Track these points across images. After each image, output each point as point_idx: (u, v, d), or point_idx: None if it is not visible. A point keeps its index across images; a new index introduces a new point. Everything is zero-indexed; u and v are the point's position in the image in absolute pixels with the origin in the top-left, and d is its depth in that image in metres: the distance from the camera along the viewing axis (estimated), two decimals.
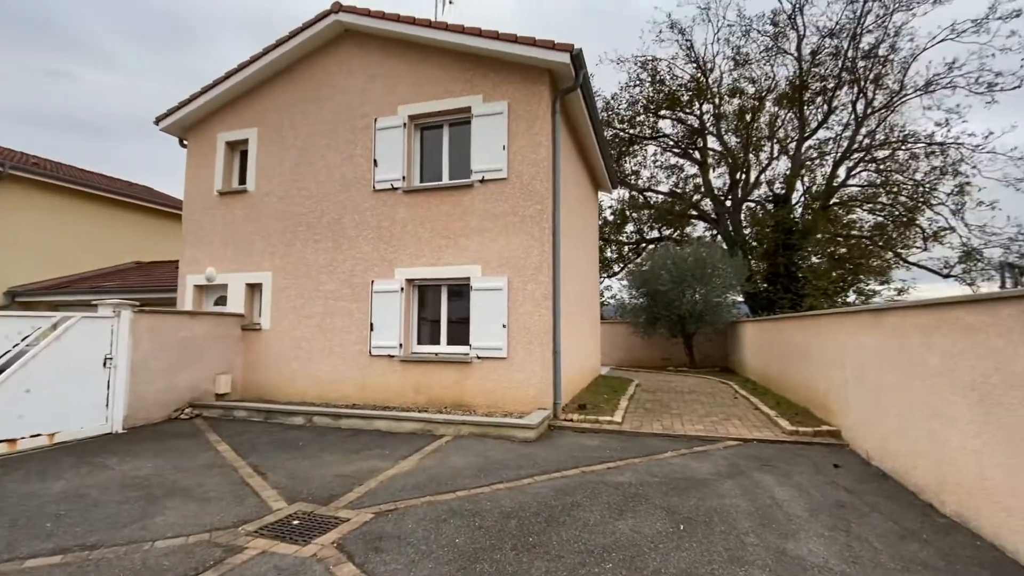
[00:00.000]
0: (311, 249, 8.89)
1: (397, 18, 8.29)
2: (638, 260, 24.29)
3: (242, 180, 9.82)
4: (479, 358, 7.72)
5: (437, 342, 8.31)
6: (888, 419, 5.06)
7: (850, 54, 19.33)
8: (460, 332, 8.18)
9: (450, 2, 10.87)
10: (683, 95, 21.87)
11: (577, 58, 7.38)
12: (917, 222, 20.37)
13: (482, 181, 7.95)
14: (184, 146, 10.21)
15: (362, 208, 8.63)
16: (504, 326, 7.61)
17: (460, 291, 8.24)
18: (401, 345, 8.13)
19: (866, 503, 4.27)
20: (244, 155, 9.85)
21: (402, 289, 8.22)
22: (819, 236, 21.28)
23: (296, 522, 3.90)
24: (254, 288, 9.40)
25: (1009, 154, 18.43)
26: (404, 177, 8.40)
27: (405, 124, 8.47)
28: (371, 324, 8.32)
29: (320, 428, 7.24)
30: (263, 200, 9.34)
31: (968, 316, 3.72)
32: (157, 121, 9.81)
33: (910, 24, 21.22)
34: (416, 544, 3.48)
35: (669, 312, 14.84)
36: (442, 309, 8.34)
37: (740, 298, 18.64)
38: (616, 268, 25.00)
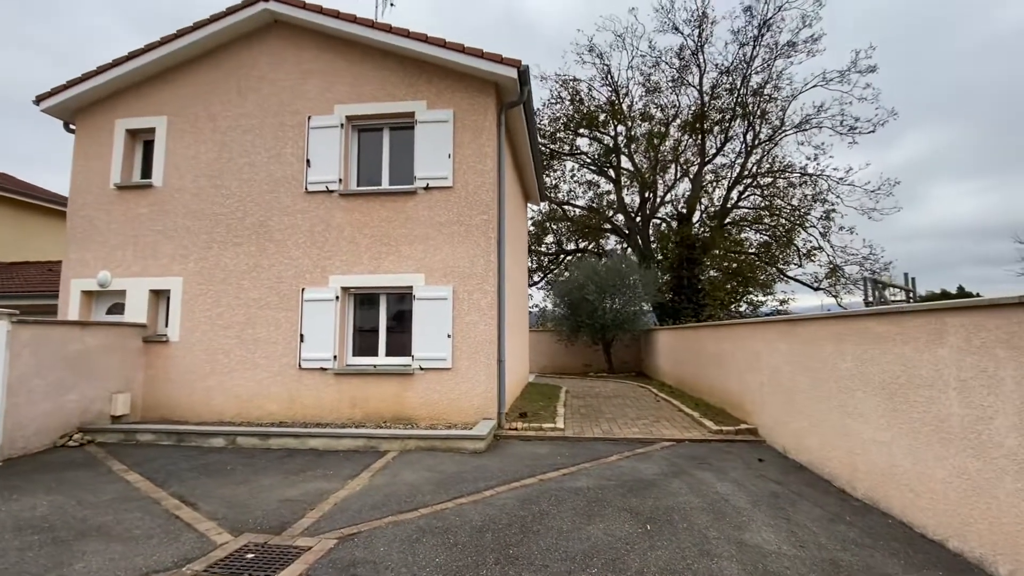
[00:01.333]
0: (231, 252, 8.14)
1: (337, 14, 7.93)
2: (559, 271, 25.17)
3: (146, 173, 8.76)
4: (422, 369, 7.53)
5: (375, 353, 7.97)
6: (802, 417, 5.73)
7: (742, 91, 21.73)
8: (400, 343, 7.94)
9: (391, 4, 10.54)
10: (600, 115, 23.14)
11: (524, 74, 7.56)
12: (794, 242, 23.28)
13: (427, 188, 7.82)
14: (71, 131, 8.88)
15: (292, 210, 8.08)
16: (449, 336, 7.51)
17: (401, 300, 8.00)
18: (335, 357, 7.70)
19: (793, 492, 4.80)
20: (149, 145, 8.80)
21: (337, 297, 7.80)
22: (716, 252, 23.57)
23: (250, 555, 3.55)
24: (160, 295, 8.39)
25: (864, 187, 21.79)
26: (341, 180, 8.01)
27: (343, 124, 8.09)
28: (301, 335, 7.78)
29: (246, 450, 6.62)
30: (173, 197, 8.39)
31: (877, 326, 4.35)
32: (38, 100, 8.45)
33: (788, 71, 24.37)
34: (396, 568, 3.33)
35: (592, 320, 15.53)
36: (381, 319, 8.03)
37: (648, 307, 20.05)
38: (536, 278, 25.66)
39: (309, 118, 8.17)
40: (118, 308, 8.51)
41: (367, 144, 8.41)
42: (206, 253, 8.20)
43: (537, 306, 21.86)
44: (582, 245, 26.15)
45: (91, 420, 7.16)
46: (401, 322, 8.03)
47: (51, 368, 6.57)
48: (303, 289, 7.88)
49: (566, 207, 25.25)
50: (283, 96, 8.31)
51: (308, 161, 8.09)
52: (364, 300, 8.20)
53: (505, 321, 7.80)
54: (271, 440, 6.70)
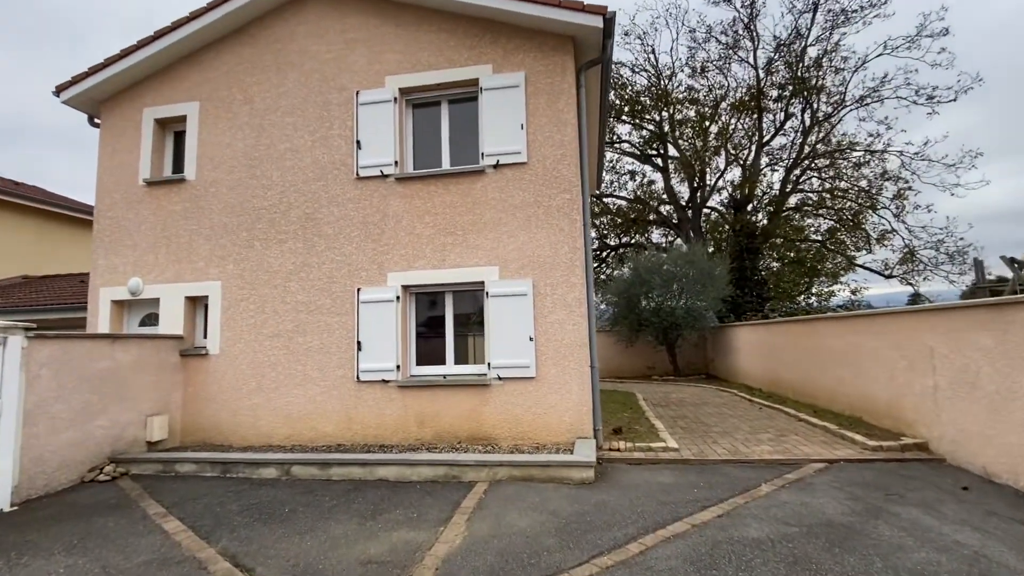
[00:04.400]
0: (275, 251, 7.12)
1: None
2: (602, 268, 23.76)
3: (178, 167, 7.84)
4: (500, 379, 6.34)
5: (442, 361, 6.82)
6: None
7: (801, 65, 19.98)
8: (471, 349, 6.77)
9: None
10: (644, 99, 21.71)
11: (609, 23, 6.32)
12: (863, 225, 21.30)
13: (496, 166, 6.64)
14: (96, 125, 8.05)
15: (342, 199, 7.01)
16: (531, 339, 6.30)
17: (472, 298, 6.83)
18: (398, 367, 6.57)
19: None
20: (180, 136, 7.89)
21: (397, 298, 6.68)
22: (777, 240, 21.80)
23: None
24: (197, 302, 7.44)
25: (942, 160, 19.72)
26: (396, 162, 6.90)
27: (396, 99, 6.99)
28: (358, 342, 6.68)
29: (303, 482, 5.52)
30: (208, 191, 7.44)
31: None
32: (58, 91, 7.62)
33: (847, 40, 22.42)
34: None
35: (659, 318, 14.12)
36: (448, 321, 6.87)
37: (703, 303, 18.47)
38: None
39: (357, 93, 7.10)
40: (152, 319, 7.59)
41: (423, 121, 7.29)
42: (247, 253, 7.20)
43: None
44: (624, 240, 24.68)
45: (124, 448, 6.20)
46: (471, 324, 6.86)
47: (76, 390, 5.62)
48: (358, 289, 6.78)
49: (608, 199, 23.85)
50: (326, 70, 7.27)
51: (358, 143, 7.01)
52: (428, 300, 7.06)
53: (594, 318, 6.54)
54: (332, 469, 5.59)
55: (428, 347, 6.98)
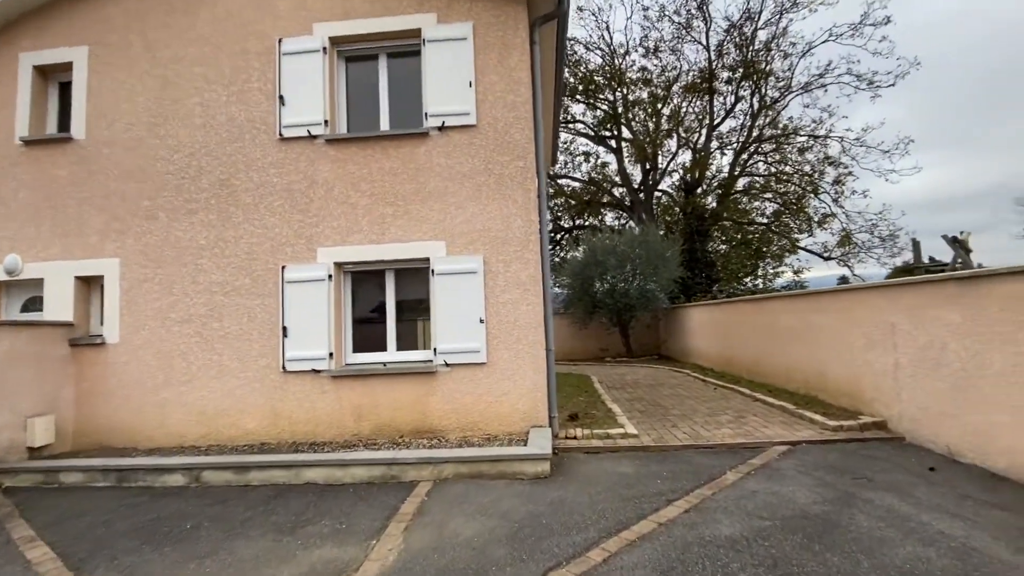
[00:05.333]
0: (184, 223, 6.14)
1: None
2: (560, 248, 23.44)
3: (64, 124, 6.64)
4: (447, 365, 5.73)
5: (382, 348, 6.13)
6: (993, 409, 4.15)
7: (750, 48, 20.11)
8: (416, 333, 6.12)
9: None
10: (598, 78, 21.30)
11: None
12: (805, 209, 21.96)
13: (441, 129, 5.94)
14: None
15: (263, 164, 6.11)
16: (482, 321, 5.72)
17: (417, 277, 6.15)
18: (331, 355, 5.83)
19: None
20: (66, 88, 6.67)
21: (329, 276, 5.91)
22: (727, 223, 22.16)
23: None
24: (91, 283, 6.36)
25: (878, 147, 20.51)
26: (326, 121, 6.06)
27: (325, 49, 6.12)
28: (283, 327, 5.88)
29: (216, 490, 4.75)
30: (101, 153, 6.32)
31: None
32: None
33: (795, 27, 22.78)
34: None
35: (613, 300, 13.87)
36: (389, 303, 6.17)
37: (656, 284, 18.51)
38: None
39: (280, 42, 6.17)
40: (37, 304, 6.45)
41: (359, 77, 6.46)
42: (150, 225, 6.18)
43: None
44: (579, 223, 24.43)
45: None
46: (417, 306, 6.19)
47: None
48: (283, 267, 5.95)
49: (562, 181, 23.45)
50: (244, 14, 6.27)
51: (281, 98, 6.10)
52: (366, 279, 6.32)
53: (550, 298, 6.03)
54: (251, 474, 4.84)
55: (368, 332, 6.26)
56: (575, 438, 5.66)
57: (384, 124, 6.22)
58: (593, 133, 22.75)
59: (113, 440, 6.03)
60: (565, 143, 23.30)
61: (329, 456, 4.88)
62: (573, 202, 23.24)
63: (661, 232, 21.13)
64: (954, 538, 3.09)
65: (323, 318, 5.85)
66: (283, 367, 5.86)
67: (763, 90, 20.99)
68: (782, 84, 20.83)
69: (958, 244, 9.21)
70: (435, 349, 5.75)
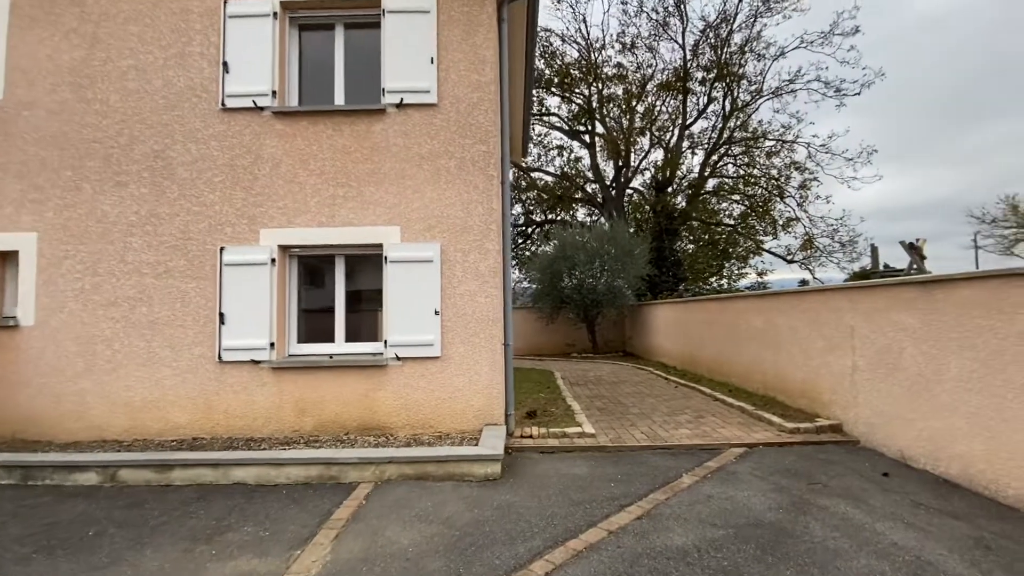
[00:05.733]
0: (112, 197, 5.60)
1: None
2: (527, 244, 23.25)
3: None
4: (398, 359, 5.41)
5: (330, 339, 5.75)
6: (949, 414, 4.12)
7: (725, 49, 20.25)
8: (367, 324, 5.76)
9: None
10: (574, 72, 21.10)
11: None
12: (771, 212, 22.37)
13: (400, 106, 5.57)
14: None
15: (203, 135, 5.62)
16: (437, 312, 5.41)
17: (369, 264, 5.79)
18: (272, 345, 5.43)
19: (996, 534, 3.15)
20: None
21: (273, 260, 5.49)
22: (695, 223, 22.37)
23: None
24: (4, 259, 5.75)
25: (843, 154, 21.02)
26: (274, 92, 5.61)
27: (276, 14, 5.65)
28: (221, 314, 5.44)
29: (133, 490, 4.31)
30: (19, 115, 5.69)
31: None
32: None
33: (768, 32, 23.14)
34: None
35: (580, 295, 13.72)
36: (338, 290, 5.79)
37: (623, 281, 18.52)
38: None
39: (225, 3, 5.66)
40: None
41: (313, 47, 6.01)
42: (74, 198, 5.61)
43: None
44: (551, 217, 24.27)
45: None
46: (369, 295, 5.83)
47: None
48: (222, 249, 5.49)
49: (535, 174, 23.22)
50: None
51: (225, 64, 5.61)
52: (314, 265, 5.92)
53: (510, 290, 5.77)
54: (174, 472, 4.42)
55: (316, 322, 5.88)
56: (531, 437, 5.43)
57: (339, 98, 5.81)
58: (567, 127, 22.59)
59: (28, 432, 5.48)
60: (539, 136, 23.09)
61: (262, 454, 4.50)
62: (545, 196, 23.03)
63: (631, 230, 21.20)
64: (908, 550, 2.98)
65: (264, 305, 5.43)
66: (219, 357, 5.41)
67: (735, 92, 21.20)
68: (754, 88, 21.10)
69: (914, 250, 9.39)
70: (386, 341, 5.41)
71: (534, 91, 21.50)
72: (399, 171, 5.54)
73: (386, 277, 5.46)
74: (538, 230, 23.39)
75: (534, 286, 15.88)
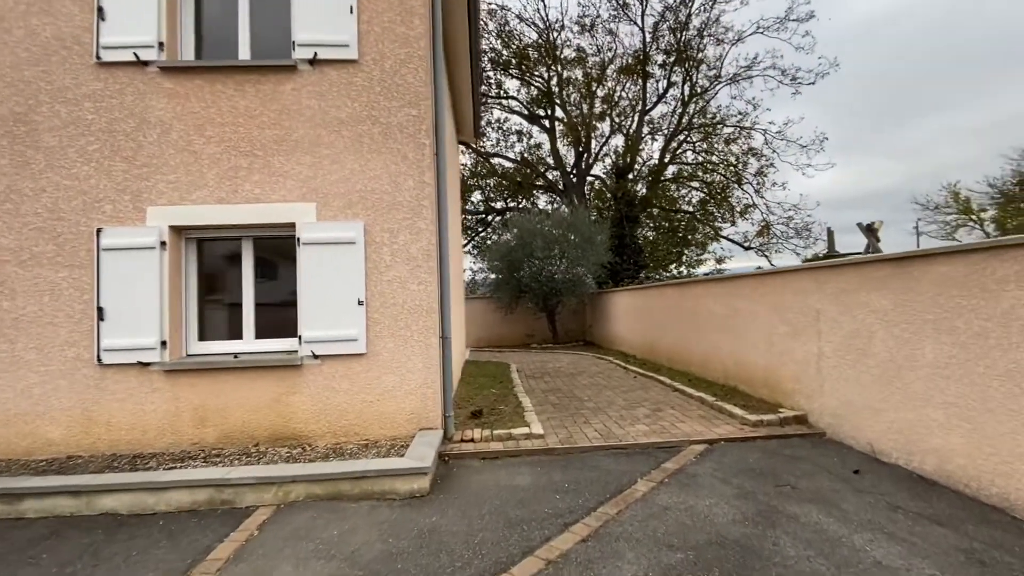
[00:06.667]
0: None
1: None
2: (487, 233, 22.55)
3: None
4: (316, 357, 4.67)
5: (237, 335, 4.96)
6: (924, 404, 3.74)
7: (684, 33, 19.98)
8: (282, 318, 4.99)
9: None
10: (533, 53, 20.41)
11: None
12: (729, 199, 22.42)
13: (313, 62, 4.78)
14: None
15: (75, 95, 4.68)
16: (361, 302, 4.69)
17: (282, 247, 5.00)
18: (164, 343, 4.59)
19: (988, 544, 2.75)
20: None
21: (163, 244, 4.64)
22: (655, 210, 22.19)
23: None
24: None
25: (797, 141, 21.20)
26: (162, 43, 4.72)
27: None
28: (99, 308, 4.56)
29: None
30: None
31: None
32: None
33: (726, 17, 23.06)
34: None
35: (539, 284, 13.16)
36: (246, 279, 4.99)
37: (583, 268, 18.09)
38: (463, 241, 22.80)
39: None
40: None
41: None
42: None
43: (467, 270, 19.20)
44: (511, 204, 23.62)
45: None
46: (283, 285, 5.06)
47: None
48: (99, 231, 4.60)
49: (495, 160, 22.49)
50: None
51: (100, 9, 4.67)
52: (218, 249, 5.09)
53: (449, 275, 5.11)
54: (26, 503, 3.58)
55: (221, 317, 5.06)
56: (472, 440, 4.82)
57: (244, 53, 4.96)
58: (527, 111, 21.92)
59: None
60: (499, 121, 22.35)
61: (135, 478, 3.71)
62: (505, 183, 22.34)
63: (593, 217, 20.80)
64: (895, 571, 2.53)
65: (153, 297, 4.58)
66: (98, 359, 4.54)
67: (694, 77, 21.01)
68: (712, 73, 20.96)
69: (871, 232, 9.25)
70: (300, 337, 4.66)
71: (492, 73, 20.84)
72: (314, 138, 4.77)
73: (300, 262, 4.70)
74: (498, 218, 22.70)
75: (492, 275, 15.22)
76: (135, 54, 4.66)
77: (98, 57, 4.67)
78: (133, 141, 4.69)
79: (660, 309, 9.66)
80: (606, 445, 4.68)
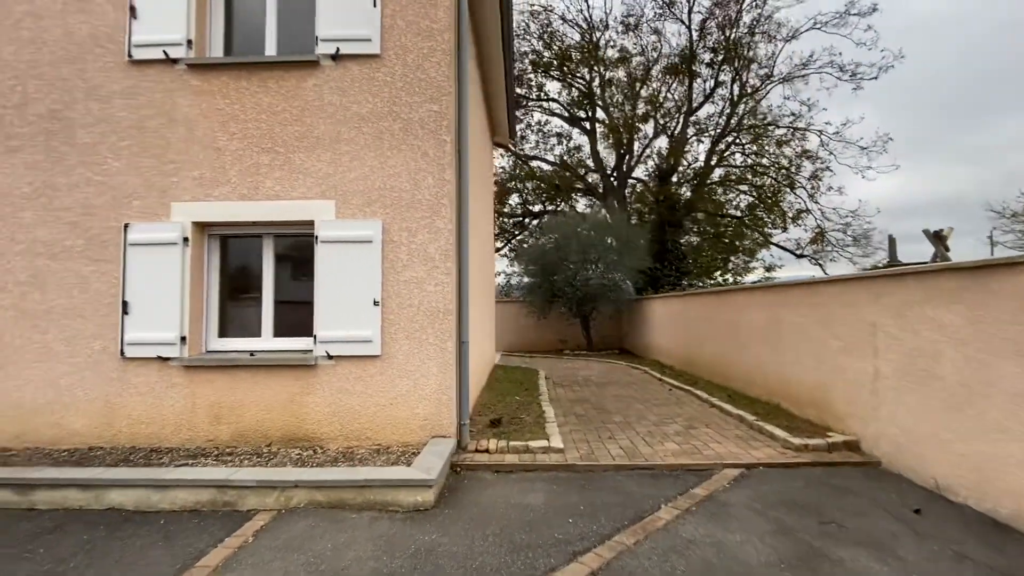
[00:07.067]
0: (4, 165, 4.78)
1: None
2: (525, 236, 22.35)
3: None
4: (330, 357, 4.56)
5: (256, 333, 4.92)
6: (1003, 438, 3.22)
7: (733, 31, 19.14)
8: (301, 316, 4.92)
9: None
10: (573, 55, 20.08)
11: None
12: (780, 204, 21.27)
13: (336, 57, 4.70)
14: None
15: (107, 92, 4.78)
16: (376, 303, 4.55)
17: (301, 245, 4.94)
18: (183, 339, 4.60)
19: None
20: None
21: (186, 240, 4.65)
22: (699, 214, 21.34)
23: None
24: None
25: (857, 143, 19.87)
26: (190, 41, 4.75)
27: None
28: (124, 302, 4.62)
29: None
30: None
31: None
32: None
33: (780, 15, 21.97)
34: None
35: (572, 289, 12.81)
36: (266, 275, 4.96)
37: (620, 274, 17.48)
38: (499, 244, 22.68)
39: None
40: None
41: None
42: None
43: (501, 273, 19.03)
44: (549, 208, 23.29)
45: None
46: (303, 283, 4.99)
47: None
48: (126, 226, 4.67)
49: (533, 163, 22.26)
50: None
51: (132, 8, 4.76)
52: (241, 247, 5.09)
53: (469, 278, 4.91)
54: (38, 494, 3.62)
55: (242, 313, 5.05)
56: (487, 451, 4.58)
57: (270, 49, 4.94)
58: (568, 113, 21.58)
59: None
60: (539, 123, 22.10)
61: (142, 473, 3.68)
62: (544, 185, 22.06)
63: (634, 221, 20.18)
64: None
65: (175, 292, 4.60)
66: (122, 352, 4.60)
67: (744, 77, 20.10)
68: (764, 72, 19.99)
69: (939, 240, 8.39)
70: (315, 336, 4.57)
71: (532, 75, 20.64)
72: (334, 134, 4.68)
73: (317, 260, 4.61)
74: (535, 221, 22.44)
75: (525, 279, 14.98)
76: (164, 52, 4.71)
77: (130, 55, 4.75)
78: (161, 138, 4.74)
79: (699, 318, 9.14)
80: (630, 464, 4.34)
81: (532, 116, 22.09)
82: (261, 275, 4.94)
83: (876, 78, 18.27)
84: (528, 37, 20.39)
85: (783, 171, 20.85)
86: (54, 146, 4.77)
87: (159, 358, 4.59)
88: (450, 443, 4.37)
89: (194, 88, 4.76)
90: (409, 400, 4.56)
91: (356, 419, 4.55)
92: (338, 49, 4.66)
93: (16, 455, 4.41)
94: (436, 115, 4.68)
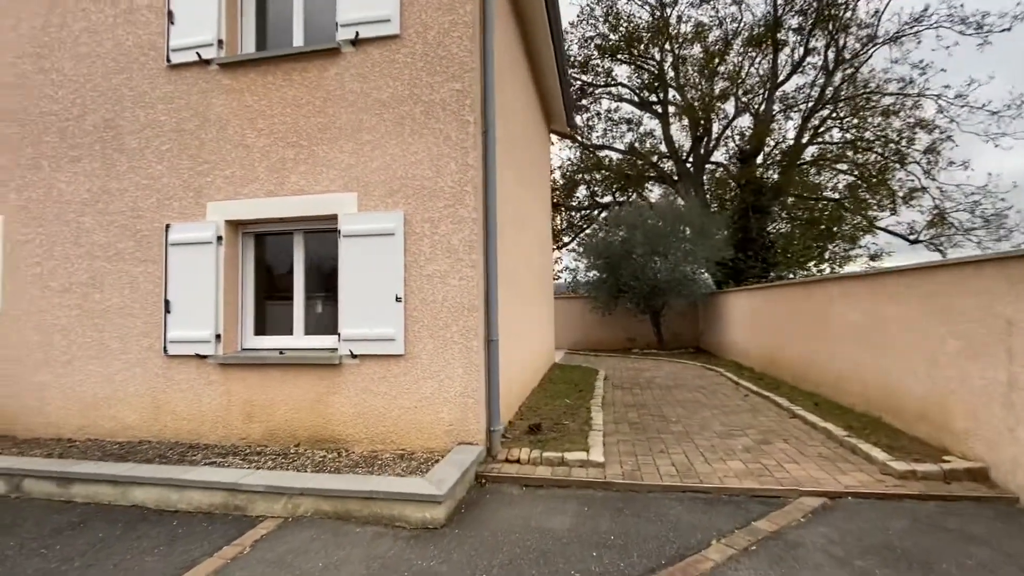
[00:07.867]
0: (66, 173, 5.11)
1: None
2: (593, 230, 21.52)
3: None
4: (354, 356, 4.36)
5: (288, 331, 4.86)
6: None
7: None
8: (329, 314, 4.79)
9: None
10: (642, 35, 18.92)
11: None
12: (888, 182, 18.63)
13: (356, 42, 4.48)
14: None
15: (151, 98, 4.93)
16: (399, 299, 4.29)
17: (329, 240, 4.80)
18: (219, 337, 4.63)
19: None
20: None
21: (219, 238, 4.67)
22: (789, 199, 19.29)
23: None
24: None
25: (985, 107, 16.87)
26: (220, 41, 4.77)
27: None
28: (166, 301, 4.73)
29: (27, 505, 3.69)
30: None
31: None
32: None
33: None
34: None
35: (639, 284, 11.98)
36: (297, 272, 4.88)
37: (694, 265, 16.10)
38: (566, 239, 22.04)
39: None
40: None
41: None
42: (33, 176, 5.19)
43: (568, 269, 18.38)
44: (620, 199, 22.20)
45: None
46: (330, 279, 4.85)
47: None
48: (167, 226, 4.78)
49: (602, 152, 21.32)
50: None
51: (170, 14, 4.87)
52: (274, 244, 5.06)
53: (496, 270, 4.49)
54: (75, 488, 3.74)
55: (275, 311, 5.02)
56: (517, 462, 4.15)
57: (298, 39, 4.85)
58: (637, 98, 20.42)
59: None
60: (608, 111, 21.14)
61: (163, 472, 3.66)
62: (613, 175, 21.07)
63: (714, 208, 18.62)
64: None
65: (210, 290, 4.64)
66: (165, 350, 4.73)
67: (841, 41, 17.79)
68: (865, 33, 17.57)
69: None
70: (339, 334, 4.39)
71: (597, 60, 19.73)
72: (356, 123, 4.46)
73: (341, 255, 4.43)
74: (604, 212, 21.50)
75: (592, 273, 14.27)
76: (197, 53, 4.76)
77: (168, 60, 4.86)
78: (196, 139, 4.81)
79: (783, 314, 8.04)
80: (680, 485, 3.70)
81: (600, 104, 21.19)
82: (292, 273, 4.87)
83: (1009, 29, 15.36)
84: (593, 21, 19.54)
85: (891, 145, 18.24)
86: (108, 153, 5.00)
87: (197, 355, 4.66)
88: (475, 451, 4.00)
89: (225, 87, 4.77)
90: (434, 403, 4.24)
91: (381, 421, 4.31)
92: (357, 33, 4.43)
93: (76, 445, 4.67)
94: (459, 94, 4.30)
